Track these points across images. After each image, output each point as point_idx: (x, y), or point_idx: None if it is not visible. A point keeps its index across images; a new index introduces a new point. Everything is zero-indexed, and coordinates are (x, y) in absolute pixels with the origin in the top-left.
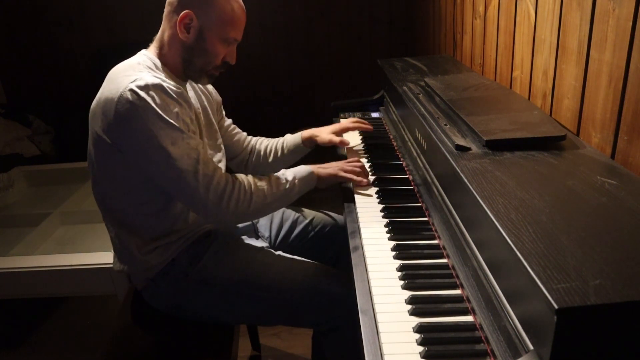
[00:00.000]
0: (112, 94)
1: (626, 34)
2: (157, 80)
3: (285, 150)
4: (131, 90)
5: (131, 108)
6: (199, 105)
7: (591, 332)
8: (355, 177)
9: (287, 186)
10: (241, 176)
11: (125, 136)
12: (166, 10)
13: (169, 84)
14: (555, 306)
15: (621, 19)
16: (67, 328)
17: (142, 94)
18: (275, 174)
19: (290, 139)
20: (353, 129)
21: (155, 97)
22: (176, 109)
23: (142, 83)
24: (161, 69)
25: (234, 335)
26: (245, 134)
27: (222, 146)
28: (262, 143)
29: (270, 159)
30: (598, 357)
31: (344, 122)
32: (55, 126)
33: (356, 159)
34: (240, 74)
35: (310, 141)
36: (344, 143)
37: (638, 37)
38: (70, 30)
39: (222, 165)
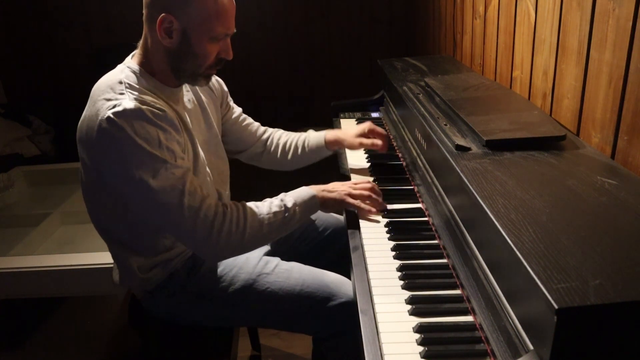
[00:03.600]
0: (92, 121)
1: (626, 34)
2: (136, 105)
3: (307, 149)
4: (108, 118)
5: (109, 139)
6: (198, 109)
7: (591, 332)
8: (363, 205)
9: (287, 214)
10: (234, 205)
11: (105, 168)
12: (144, 13)
13: (151, 107)
14: (555, 306)
15: (621, 19)
16: (67, 328)
17: (120, 122)
18: (274, 199)
19: (313, 138)
20: (380, 133)
21: (135, 125)
22: (159, 136)
23: (119, 109)
24: (146, 82)
25: (233, 335)
26: (258, 124)
27: (226, 156)
28: (281, 137)
29: (290, 155)
30: (598, 357)
31: (370, 124)
32: (55, 126)
33: (366, 180)
34: (240, 74)
35: (334, 144)
36: (375, 145)
37: (638, 37)
38: (70, 30)
39: (224, 174)
